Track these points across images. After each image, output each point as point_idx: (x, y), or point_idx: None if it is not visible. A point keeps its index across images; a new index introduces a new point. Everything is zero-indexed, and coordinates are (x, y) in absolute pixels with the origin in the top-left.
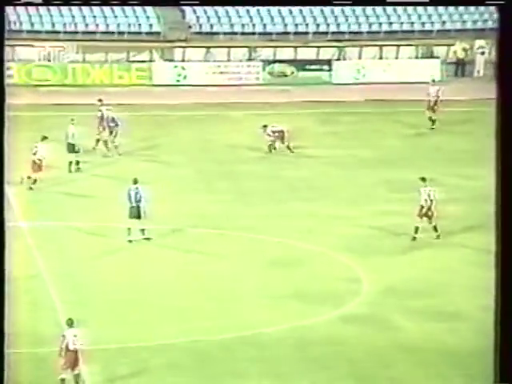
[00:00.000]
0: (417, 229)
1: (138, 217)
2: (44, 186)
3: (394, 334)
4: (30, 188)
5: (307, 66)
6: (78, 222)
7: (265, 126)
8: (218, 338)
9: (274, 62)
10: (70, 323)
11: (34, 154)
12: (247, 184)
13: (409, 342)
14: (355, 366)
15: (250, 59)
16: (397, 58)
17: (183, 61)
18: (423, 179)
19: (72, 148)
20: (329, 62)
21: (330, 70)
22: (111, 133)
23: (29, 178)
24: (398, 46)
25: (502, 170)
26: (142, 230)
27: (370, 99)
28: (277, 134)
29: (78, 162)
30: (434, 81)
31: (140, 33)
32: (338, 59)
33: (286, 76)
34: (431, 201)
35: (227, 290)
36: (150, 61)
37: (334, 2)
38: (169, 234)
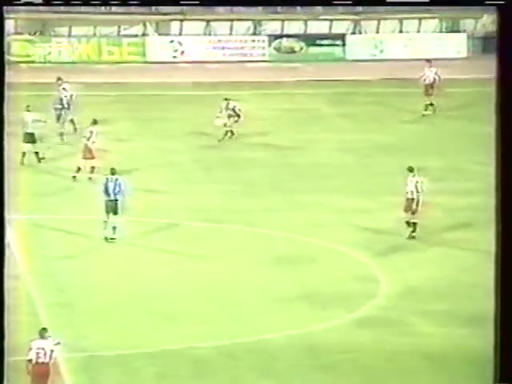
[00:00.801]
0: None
1: (115, 212)
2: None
3: (413, 340)
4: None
5: (318, 41)
6: (56, 216)
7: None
8: (218, 344)
9: (281, 36)
10: (42, 334)
11: (88, 139)
12: (251, 173)
13: (430, 348)
14: (371, 375)
15: (254, 33)
16: (418, 31)
17: (180, 35)
18: (411, 169)
19: (30, 138)
20: (342, 37)
21: (343, 45)
22: (58, 118)
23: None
24: (420, 18)
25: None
26: (114, 228)
27: (388, 78)
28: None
29: (37, 153)
30: (429, 61)
31: (132, 4)
32: (353, 33)
33: (294, 52)
34: (418, 193)
35: (228, 291)
36: (144, 35)
37: (334, 2)
38: (163, 228)
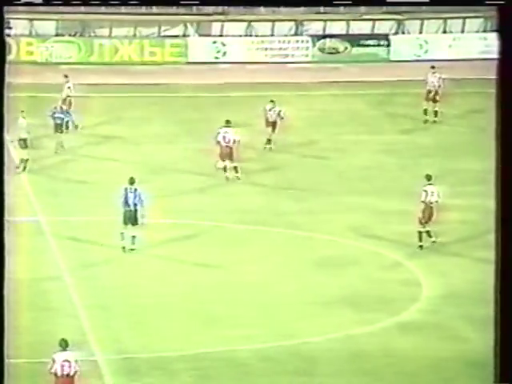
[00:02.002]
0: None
1: (134, 222)
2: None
3: (457, 346)
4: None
5: (362, 42)
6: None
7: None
8: (258, 347)
9: (325, 36)
10: (64, 345)
11: (222, 137)
12: (292, 175)
13: (472, 354)
14: (413, 381)
15: (296, 34)
16: (463, 31)
17: (221, 36)
18: (428, 177)
19: (24, 144)
20: (386, 37)
21: (387, 46)
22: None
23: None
24: (464, 18)
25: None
26: (133, 237)
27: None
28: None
29: (26, 160)
30: (433, 67)
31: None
32: (397, 33)
33: (338, 52)
34: (435, 202)
35: (269, 294)
36: (184, 36)
37: (334, 2)
38: (208, 230)
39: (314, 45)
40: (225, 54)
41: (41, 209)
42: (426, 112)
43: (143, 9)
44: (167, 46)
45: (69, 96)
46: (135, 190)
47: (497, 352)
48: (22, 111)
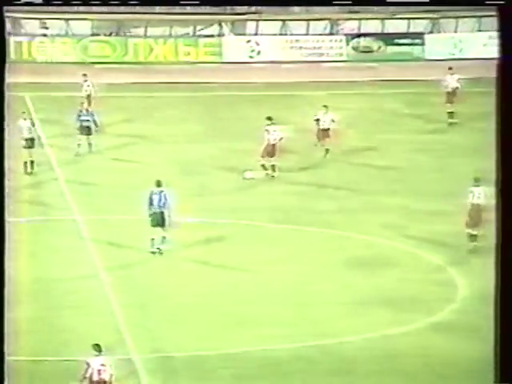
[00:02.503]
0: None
1: (162, 224)
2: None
3: (492, 347)
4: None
5: (396, 40)
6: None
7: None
8: (294, 346)
9: (359, 35)
10: (98, 350)
11: (270, 135)
12: (327, 173)
13: None
14: (448, 382)
15: (331, 33)
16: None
17: (256, 35)
18: (476, 178)
19: (31, 143)
20: (421, 36)
21: (422, 45)
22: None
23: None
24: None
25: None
26: (164, 238)
27: (467, 78)
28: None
29: (32, 162)
30: (450, 68)
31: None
32: (432, 32)
33: (372, 51)
34: (481, 204)
35: (304, 294)
36: (219, 35)
37: (334, 2)
38: (243, 229)
39: (348, 44)
40: (259, 53)
41: (77, 208)
42: (450, 114)
43: (178, 9)
44: (201, 45)
45: (89, 95)
46: (161, 191)
47: (497, 352)
48: (23, 112)
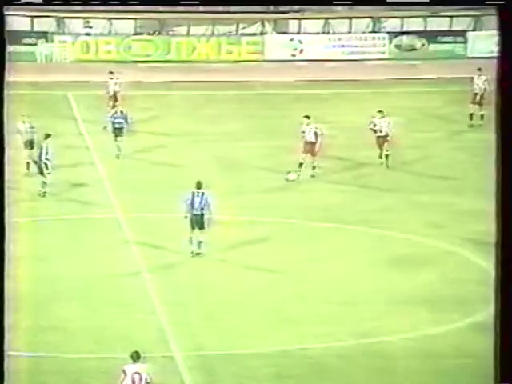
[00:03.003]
0: None
1: (201, 227)
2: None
3: None
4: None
5: (439, 38)
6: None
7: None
8: (333, 345)
9: (402, 33)
10: (136, 357)
11: (303, 132)
12: (369, 172)
13: None
14: (488, 382)
15: (374, 31)
16: None
17: (298, 33)
18: None
19: (30, 144)
20: (464, 33)
21: (464, 42)
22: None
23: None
24: None
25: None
26: (200, 242)
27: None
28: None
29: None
30: (480, 69)
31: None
32: (474, 30)
33: (415, 49)
34: None
35: (344, 293)
36: (262, 33)
37: (334, 2)
38: (283, 228)
39: (390, 42)
40: (302, 51)
41: (119, 206)
42: (471, 116)
43: (221, 8)
44: (244, 43)
45: (116, 92)
46: (202, 194)
47: (497, 352)
48: (23, 115)
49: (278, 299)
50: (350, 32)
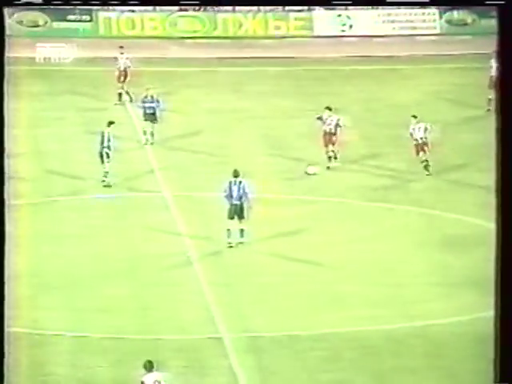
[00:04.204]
0: None
1: (241, 216)
2: None
3: None
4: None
5: (491, 13)
6: None
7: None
8: (384, 328)
9: (453, 8)
10: (150, 367)
11: (326, 124)
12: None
13: None
14: None
15: (424, 6)
16: None
17: (347, 9)
18: None
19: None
20: None
21: None
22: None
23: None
24: None
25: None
26: (242, 231)
27: None
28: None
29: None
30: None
31: None
32: None
33: (466, 24)
34: None
35: (395, 274)
36: (309, 9)
37: (334, 2)
38: (333, 207)
39: (441, 17)
40: (351, 27)
41: (165, 184)
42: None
43: None
44: (292, 19)
45: (127, 67)
46: (240, 182)
47: (497, 351)
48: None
49: (328, 281)
50: (399, 7)
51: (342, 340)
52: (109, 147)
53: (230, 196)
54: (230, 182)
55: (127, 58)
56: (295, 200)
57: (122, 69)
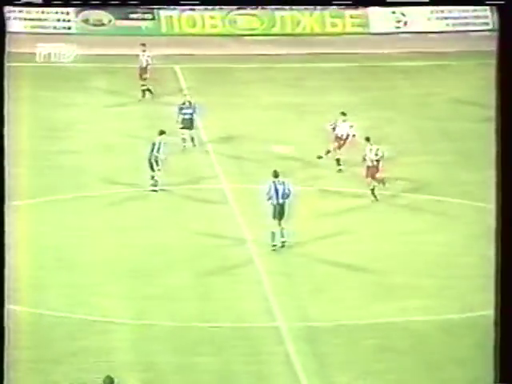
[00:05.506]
0: None
1: (282, 216)
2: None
3: None
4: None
5: None
6: None
7: None
8: (435, 318)
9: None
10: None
11: (334, 129)
12: (469, 145)
13: None
14: None
15: (476, 3)
16: None
17: (401, 5)
18: None
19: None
20: None
21: None
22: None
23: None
24: None
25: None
26: (282, 228)
27: None
28: None
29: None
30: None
31: None
32: None
33: None
34: None
35: (447, 265)
36: (365, 6)
37: (334, 2)
38: (383, 198)
39: (493, 13)
40: (406, 23)
41: (224, 177)
42: None
43: None
44: (347, 16)
45: (148, 65)
46: (283, 182)
47: (497, 351)
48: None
49: (381, 271)
50: (453, 4)
51: (394, 330)
52: (157, 156)
53: (275, 196)
54: (274, 182)
55: (148, 56)
56: (349, 193)
57: (144, 66)
